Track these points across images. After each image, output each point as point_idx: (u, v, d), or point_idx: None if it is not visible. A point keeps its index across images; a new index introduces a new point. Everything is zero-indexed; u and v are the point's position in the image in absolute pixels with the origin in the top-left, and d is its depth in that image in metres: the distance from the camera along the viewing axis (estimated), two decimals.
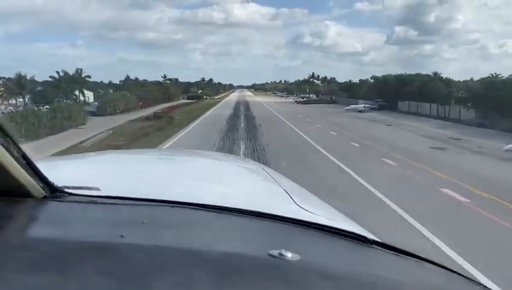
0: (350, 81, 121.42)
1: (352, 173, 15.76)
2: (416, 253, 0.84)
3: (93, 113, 53.90)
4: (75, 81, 55.42)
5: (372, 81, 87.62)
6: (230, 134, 31.58)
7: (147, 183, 1.24)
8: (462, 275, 0.82)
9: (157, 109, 62.01)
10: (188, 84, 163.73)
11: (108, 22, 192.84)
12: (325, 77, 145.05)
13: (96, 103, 59.87)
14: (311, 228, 0.87)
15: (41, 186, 0.82)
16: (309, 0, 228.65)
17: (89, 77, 59.90)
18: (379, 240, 0.89)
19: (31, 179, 0.79)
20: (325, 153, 21.62)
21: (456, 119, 46.38)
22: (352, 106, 65.28)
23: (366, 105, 64.09)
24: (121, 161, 1.87)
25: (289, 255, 0.62)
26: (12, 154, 0.73)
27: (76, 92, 57.38)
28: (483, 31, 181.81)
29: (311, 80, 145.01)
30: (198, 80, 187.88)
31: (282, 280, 0.59)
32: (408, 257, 0.82)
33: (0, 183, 0.76)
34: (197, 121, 43.73)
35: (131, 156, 2.23)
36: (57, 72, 57.21)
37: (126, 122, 44.49)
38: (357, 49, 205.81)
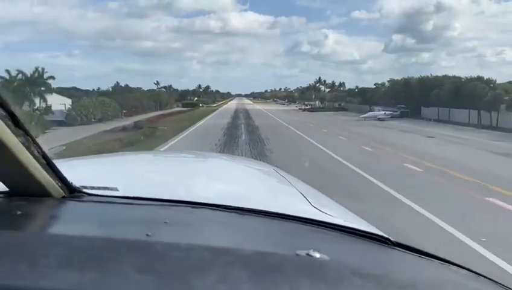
0: (357, 87, 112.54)
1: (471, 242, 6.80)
2: (440, 256, 0.81)
3: (62, 123, 44.70)
4: (33, 83, 45.41)
5: (388, 85, 78.19)
6: (227, 150, 22.31)
7: (165, 184, 1.26)
8: (488, 278, 0.80)
9: (143, 118, 53.52)
10: (185, 92, 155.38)
11: (105, 31, 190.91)
12: (333, 82, 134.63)
13: (66, 111, 50.40)
14: (332, 229, 0.86)
15: (60, 186, 0.82)
16: (307, 9, 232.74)
17: (53, 78, 49.47)
18: (401, 242, 0.88)
19: (51, 179, 0.79)
20: (386, 188, 12.02)
21: (509, 128, 36.95)
22: (370, 114, 56.13)
23: (387, 112, 54.76)
24: (137, 162, 1.93)
25: (317, 255, 0.62)
26: (32, 154, 0.73)
27: (43, 97, 47.33)
28: (481, 39, 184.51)
29: (317, 85, 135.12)
30: (195, 87, 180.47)
31: (319, 278, 0.58)
32: (432, 258, 0.82)
33: (20, 183, 0.76)
34: (186, 132, 34.58)
35: (147, 157, 2.30)
36: (7, 71, 46.56)
37: (96, 133, 35.43)
38: (354, 58, 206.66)
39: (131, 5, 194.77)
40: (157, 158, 2.28)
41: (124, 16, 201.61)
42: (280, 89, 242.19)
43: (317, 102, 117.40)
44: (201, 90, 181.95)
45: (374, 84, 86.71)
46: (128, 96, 76.93)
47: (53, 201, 0.80)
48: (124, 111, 64.50)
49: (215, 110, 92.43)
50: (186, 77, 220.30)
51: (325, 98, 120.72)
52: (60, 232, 0.68)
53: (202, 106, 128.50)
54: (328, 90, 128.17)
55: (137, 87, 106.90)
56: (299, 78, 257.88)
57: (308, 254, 0.60)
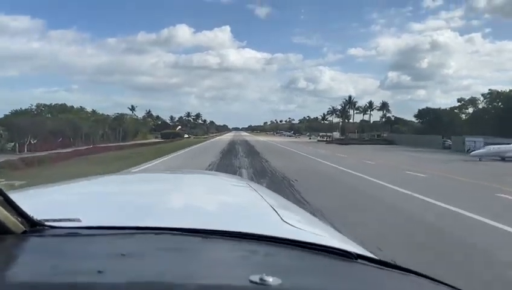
0: (384, 116, 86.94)
1: None
2: (402, 265, 0.84)
3: None
4: None
5: (483, 104, 50.22)
6: None
7: (129, 210, 1.23)
8: (447, 284, 0.81)
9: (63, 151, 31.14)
10: (165, 124, 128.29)
11: (103, 66, 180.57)
12: (371, 103, 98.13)
13: None
14: (294, 246, 0.85)
15: (19, 221, 0.79)
16: (303, 46, 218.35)
17: None
18: (364, 254, 0.89)
19: (9, 215, 0.76)
20: None
21: None
22: (485, 150, 28.82)
23: None
24: (101, 187, 1.87)
25: (270, 279, 0.60)
26: None
27: None
28: (475, 77, 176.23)
29: (347, 108, 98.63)
30: (182, 115, 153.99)
31: None
32: (393, 269, 0.82)
33: None
34: None
35: (111, 180, 2.18)
36: None
37: None
38: (350, 94, 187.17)
39: (130, 41, 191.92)
40: (123, 182, 2.13)
41: (122, 52, 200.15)
42: (281, 120, 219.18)
43: (336, 133, 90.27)
44: (190, 118, 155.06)
45: (458, 101, 58.37)
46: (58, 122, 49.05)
47: (12, 238, 0.77)
48: (34, 141, 36.67)
49: (201, 141, 66.99)
50: (183, 112, 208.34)
51: (347, 128, 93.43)
52: (14, 277, 0.65)
53: (189, 136, 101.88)
54: (360, 115, 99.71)
55: (93, 110, 78.34)
56: (296, 113, 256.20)
57: (261, 279, 0.60)
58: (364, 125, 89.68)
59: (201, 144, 56.28)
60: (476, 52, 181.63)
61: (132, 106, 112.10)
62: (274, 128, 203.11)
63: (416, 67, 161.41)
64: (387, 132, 73.85)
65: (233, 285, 0.62)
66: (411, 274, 0.80)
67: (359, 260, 0.83)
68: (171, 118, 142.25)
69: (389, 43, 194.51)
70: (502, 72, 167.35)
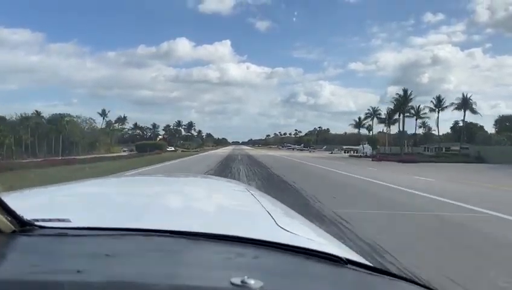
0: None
1: None
2: (391, 271, 0.82)
3: None
4: None
5: None
6: None
7: (120, 212, 1.24)
8: None
9: None
10: (142, 136, 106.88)
11: (103, 80, 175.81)
12: (439, 99, 64.44)
13: None
14: (283, 249, 0.85)
15: (9, 221, 0.79)
16: (304, 60, 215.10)
17: None
18: (354, 259, 0.89)
19: None
20: None
21: None
22: None
23: None
24: (93, 189, 1.89)
25: (252, 282, 0.60)
26: None
27: None
28: (476, 92, 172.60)
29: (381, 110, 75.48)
30: (172, 124, 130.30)
31: None
32: (382, 275, 0.82)
33: None
34: None
35: (103, 183, 2.21)
36: None
37: None
38: (351, 109, 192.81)
39: (130, 54, 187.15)
40: (115, 184, 2.13)
41: (122, 66, 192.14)
42: (285, 133, 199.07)
43: (365, 146, 68.64)
44: (180, 128, 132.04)
45: None
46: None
47: (0, 237, 0.78)
48: None
49: (187, 156, 47.86)
50: (183, 126, 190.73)
51: (373, 140, 71.83)
52: None
53: (175, 149, 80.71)
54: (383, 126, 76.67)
55: (54, 114, 57.25)
56: (296, 127, 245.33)
57: (242, 281, 0.60)
58: (408, 136, 68.11)
59: (189, 157, 39.81)
60: (477, 66, 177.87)
61: (103, 111, 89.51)
62: (278, 141, 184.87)
63: (417, 82, 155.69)
64: (458, 143, 52.33)
65: (213, 286, 0.62)
66: (401, 280, 0.80)
67: (349, 265, 0.82)
68: (154, 126, 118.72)
69: (389, 57, 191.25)
70: (502, 86, 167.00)
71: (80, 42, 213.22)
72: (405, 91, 63.04)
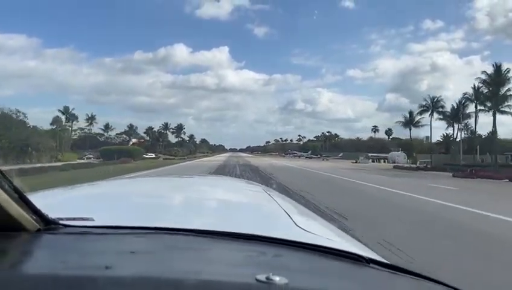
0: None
1: None
2: (415, 270, 0.82)
3: None
4: None
5: None
6: None
7: (142, 211, 1.27)
8: None
9: None
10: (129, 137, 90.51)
11: (100, 86, 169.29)
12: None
13: None
14: (305, 249, 0.86)
15: (34, 219, 0.81)
16: (302, 67, 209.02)
17: None
18: (376, 258, 0.89)
19: (24, 213, 0.78)
20: None
21: None
22: None
23: None
24: (114, 189, 1.95)
25: (277, 278, 0.61)
26: (3, 188, 0.73)
27: None
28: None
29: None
30: (159, 127, 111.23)
31: None
32: (405, 274, 0.81)
33: None
34: None
35: (124, 183, 2.27)
36: None
37: None
38: (349, 116, 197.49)
39: (127, 60, 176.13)
40: (136, 185, 2.22)
41: (119, 72, 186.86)
42: (286, 140, 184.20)
43: (397, 153, 53.29)
44: (167, 131, 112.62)
45: None
46: None
47: (26, 235, 0.79)
48: None
49: (163, 166, 35.73)
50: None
51: (409, 145, 56.24)
52: (26, 271, 0.68)
53: (156, 156, 65.15)
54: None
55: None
56: (294, 135, 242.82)
57: (267, 278, 0.61)
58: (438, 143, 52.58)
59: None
60: (475, 74, 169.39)
61: (65, 108, 73.31)
62: (279, 148, 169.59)
63: (415, 89, 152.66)
64: None
65: (240, 282, 0.64)
66: (425, 280, 0.80)
67: (371, 265, 0.82)
68: (131, 127, 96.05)
69: (388, 64, 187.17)
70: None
71: (77, 48, 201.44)
72: (498, 67, 42.22)
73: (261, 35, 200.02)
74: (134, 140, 53.15)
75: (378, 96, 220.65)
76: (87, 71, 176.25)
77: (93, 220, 0.91)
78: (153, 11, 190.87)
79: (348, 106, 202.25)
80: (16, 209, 0.75)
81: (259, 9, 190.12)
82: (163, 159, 61.78)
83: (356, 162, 56.37)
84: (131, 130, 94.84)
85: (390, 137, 69.70)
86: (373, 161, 56.73)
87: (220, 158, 68.33)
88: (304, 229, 1.08)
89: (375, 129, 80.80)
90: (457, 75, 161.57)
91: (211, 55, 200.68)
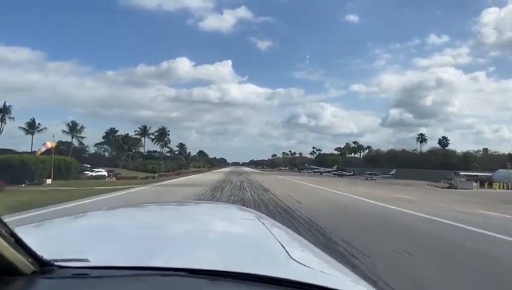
0: None
1: None
2: None
3: None
4: None
5: None
6: None
7: (137, 247, 1.25)
8: None
9: None
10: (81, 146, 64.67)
11: (103, 99, 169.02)
12: None
13: None
14: (299, 289, 0.86)
15: (30, 262, 0.80)
16: (305, 81, 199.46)
17: None
18: None
19: (20, 256, 0.77)
20: None
21: None
22: None
23: None
24: (108, 220, 1.89)
25: None
26: (0, 233, 0.73)
27: None
28: (479, 116, 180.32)
29: None
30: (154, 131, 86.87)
31: None
32: None
33: None
34: None
35: (114, 214, 2.20)
36: None
37: None
38: (352, 131, 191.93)
39: (129, 73, 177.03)
40: (129, 217, 2.11)
41: (122, 85, 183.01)
42: (294, 153, 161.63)
43: None
44: (144, 137, 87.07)
45: None
46: None
47: (21, 280, 0.77)
48: None
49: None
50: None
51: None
52: None
53: (112, 173, 41.74)
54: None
55: None
56: (296, 149, 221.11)
57: None
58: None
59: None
60: (480, 90, 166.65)
61: (4, 105, 53.79)
62: (288, 162, 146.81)
63: (419, 105, 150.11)
64: None
65: None
66: None
67: None
68: (73, 125, 67.96)
69: (392, 79, 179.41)
70: (504, 110, 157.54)
71: (80, 61, 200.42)
72: None
73: (264, 48, 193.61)
74: (49, 143, 30.89)
75: (381, 112, 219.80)
76: (90, 84, 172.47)
77: (88, 260, 0.88)
78: (156, 24, 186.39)
79: (352, 121, 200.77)
80: (11, 252, 0.74)
81: (263, 22, 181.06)
82: (116, 179, 38.66)
83: (451, 187, 32.76)
84: (72, 129, 67.67)
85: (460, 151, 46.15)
86: (478, 183, 33.23)
87: (214, 177, 44.83)
88: (299, 263, 1.08)
89: (421, 139, 58.00)
90: (462, 91, 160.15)
91: (214, 69, 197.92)
